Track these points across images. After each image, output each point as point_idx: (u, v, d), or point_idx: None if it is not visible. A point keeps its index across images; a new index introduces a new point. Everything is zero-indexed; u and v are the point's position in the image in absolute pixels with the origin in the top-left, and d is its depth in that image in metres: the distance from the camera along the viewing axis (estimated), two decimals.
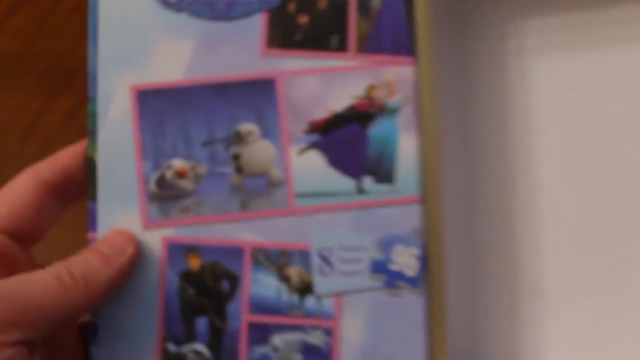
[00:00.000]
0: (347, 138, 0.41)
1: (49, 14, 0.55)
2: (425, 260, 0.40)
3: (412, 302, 0.40)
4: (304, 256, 0.40)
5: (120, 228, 0.40)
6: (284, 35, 0.42)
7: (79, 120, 0.57)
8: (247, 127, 0.41)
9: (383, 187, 0.41)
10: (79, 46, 0.63)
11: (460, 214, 0.47)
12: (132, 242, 0.39)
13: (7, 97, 0.56)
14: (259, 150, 0.41)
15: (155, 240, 0.40)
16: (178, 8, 0.42)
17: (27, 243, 0.41)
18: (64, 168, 0.41)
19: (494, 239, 0.46)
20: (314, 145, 0.41)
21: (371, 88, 0.42)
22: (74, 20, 0.57)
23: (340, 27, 0.42)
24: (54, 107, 0.57)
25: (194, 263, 0.40)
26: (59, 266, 0.37)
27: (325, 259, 0.40)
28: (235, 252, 0.40)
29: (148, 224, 0.40)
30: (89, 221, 0.40)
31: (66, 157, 0.42)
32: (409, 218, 0.41)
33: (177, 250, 0.40)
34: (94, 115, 0.41)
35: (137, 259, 0.39)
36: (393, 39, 0.42)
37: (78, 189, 0.42)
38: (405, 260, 0.40)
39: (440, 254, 0.41)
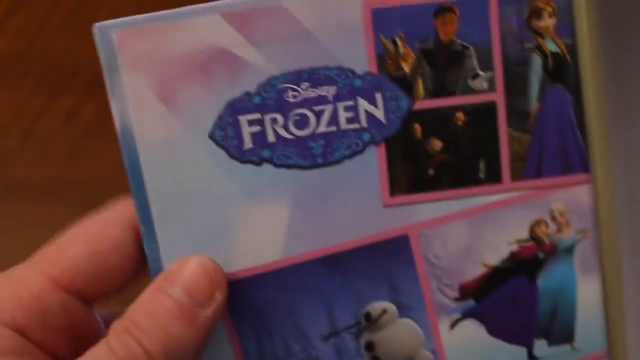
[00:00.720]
0: (511, 297, 0.31)
1: (49, 14, 0.53)
2: None
3: None
4: None
5: (200, 259, 0.29)
6: (413, 173, 0.30)
7: (79, 120, 0.54)
8: (379, 305, 0.30)
9: (560, 350, 0.31)
10: (79, 46, 0.58)
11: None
12: (219, 286, 0.28)
13: (7, 97, 0.54)
14: (399, 333, 0.31)
15: None
16: (257, 159, 0.29)
17: (104, 296, 0.31)
18: None
19: None
20: (469, 315, 0.31)
21: (536, 225, 0.31)
22: (74, 20, 0.55)
23: (487, 148, 0.30)
24: (54, 107, 0.54)
25: None
26: (130, 342, 0.27)
27: None
28: None
29: None
30: None
31: None
32: None
33: None
34: None
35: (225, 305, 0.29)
36: (560, 152, 0.30)
37: None
38: None
39: None
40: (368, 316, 0.30)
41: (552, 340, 0.31)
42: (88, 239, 0.29)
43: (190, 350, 0.27)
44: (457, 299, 0.31)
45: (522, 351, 0.31)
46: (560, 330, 0.31)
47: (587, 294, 0.31)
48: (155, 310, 0.27)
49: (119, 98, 0.28)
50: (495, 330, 0.31)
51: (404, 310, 0.30)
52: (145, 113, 0.28)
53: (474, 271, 0.30)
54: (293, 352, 0.30)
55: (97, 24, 0.28)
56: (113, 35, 0.28)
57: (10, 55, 0.53)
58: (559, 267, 0.31)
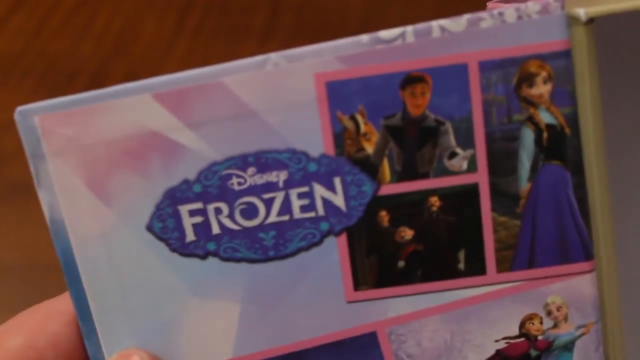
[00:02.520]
0: None
1: (49, 13, 0.54)
2: None
3: None
4: None
5: (141, 354, 0.26)
6: (379, 266, 0.26)
7: None
8: None
9: None
10: (79, 46, 0.57)
11: None
12: None
13: (7, 97, 0.55)
14: None
15: None
16: (202, 252, 0.26)
17: None
18: None
19: None
20: None
21: (528, 320, 0.26)
22: (74, 20, 0.56)
23: (467, 236, 0.26)
24: None
25: None
26: None
27: None
28: None
29: None
30: None
31: None
32: None
33: None
34: None
35: None
36: (557, 238, 0.26)
37: None
38: None
39: None
40: None
41: None
42: (26, 331, 0.27)
43: None
44: None
45: None
46: None
47: None
48: None
49: (47, 188, 0.25)
50: None
51: None
52: (76, 205, 0.25)
53: None
54: None
55: (19, 108, 0.25)
56: (36, 120, 0.25)
57: (10, 55, 0.53)
58: None
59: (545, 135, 0.25)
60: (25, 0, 0.51)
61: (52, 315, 0.28)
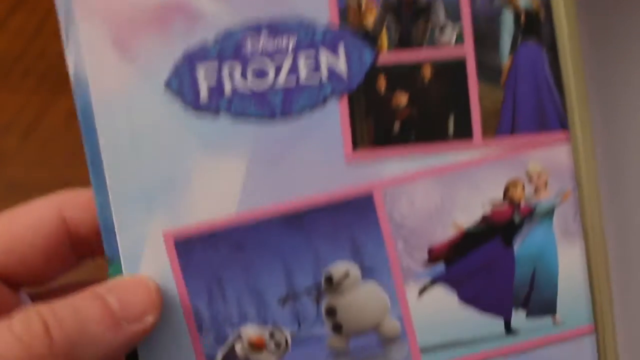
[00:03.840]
0: (485, 262, 0.29)
1: (49, 14, 0.53)
2: None
3: None
4: None
5: (144, 277, 0.28)
6: (376, 127, 0.28)
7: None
8: (341, 267, 0.29)
9: (541, 322, 0.29)
10: None
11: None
12: (154, 309, 0.28)
13: (7, 97, 0.55)
14: (362, 298, 0.29)
15: None
16: (214, 110, 0.28)
17: (23, 286, 0.31)
18: (93, 222, 0.30)
19: None
20: (439, 280, 0.29)
21: (511, 186, 0.29)
22: None
23: (456, 103, 0.29)
24: (54, 107, 0.55)
25: None
26: (34, 321, 0.26)
27: None
28: None
29: None
30: None
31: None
32: (580, 357, 0.30)
33: None
34: None
35: (156, 326, 0.28)
36: (535, 108, 0.29)
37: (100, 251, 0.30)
38: None
39: None
40: (329, 278, 0.29)
41: (532, 311, 0.29)
42: (8, 216, 0.30)
43: (100, 355, 0.26)
44: (426, 263, 0.29)
45: (498, 323, 0.29)
46: (541, 300, 0.29)
47: (570, 261, 0.29)
48: (80, 306, 0.26)
49: (74, 47, 0.28)
50: (468, 297, 0.29)
51: (368, 273, 0.29)
52: (100, 62, 0.28)
53: (445, 233, 0.29)
54: (248, 316, 0.29)
55: None
56: None
57: (10, 55, 0.55)
58: (538, 231, 0.29)
59: (522, 17, 0.28)
60: (25, 1, 0.54)
61: (36, 204, 0.31)
